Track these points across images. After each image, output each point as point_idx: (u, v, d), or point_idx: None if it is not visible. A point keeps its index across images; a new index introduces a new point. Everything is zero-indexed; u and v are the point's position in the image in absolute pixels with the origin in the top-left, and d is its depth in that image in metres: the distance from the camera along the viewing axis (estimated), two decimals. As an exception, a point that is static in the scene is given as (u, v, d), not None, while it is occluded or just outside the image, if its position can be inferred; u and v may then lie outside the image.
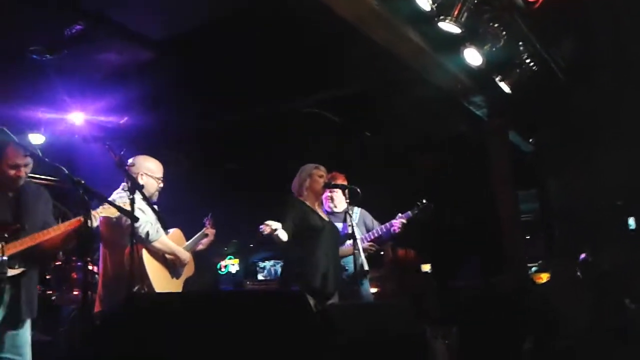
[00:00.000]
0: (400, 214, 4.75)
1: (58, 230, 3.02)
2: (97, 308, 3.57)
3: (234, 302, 1.95)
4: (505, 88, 5.31)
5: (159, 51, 4.95)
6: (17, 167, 3.04)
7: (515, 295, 4.19)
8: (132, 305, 1.66)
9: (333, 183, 4.37)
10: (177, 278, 3.83)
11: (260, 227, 3.76)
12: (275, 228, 3.76)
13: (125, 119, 6.03)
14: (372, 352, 2.25)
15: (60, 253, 5.18)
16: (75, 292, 5.21)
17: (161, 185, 3.88)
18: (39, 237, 2.96)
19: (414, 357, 2.63)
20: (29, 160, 3.07)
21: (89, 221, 2.86)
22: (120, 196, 3.55)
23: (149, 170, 3.80)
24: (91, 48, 4.76)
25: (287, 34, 4.83)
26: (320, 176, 4.30)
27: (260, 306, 1.92)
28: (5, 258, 2.82)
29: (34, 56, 4.88)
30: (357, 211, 4.79)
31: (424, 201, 4.80)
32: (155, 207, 3.66)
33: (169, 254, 3.73)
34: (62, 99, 5.67)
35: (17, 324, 3.03)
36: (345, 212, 4.53)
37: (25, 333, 3.10)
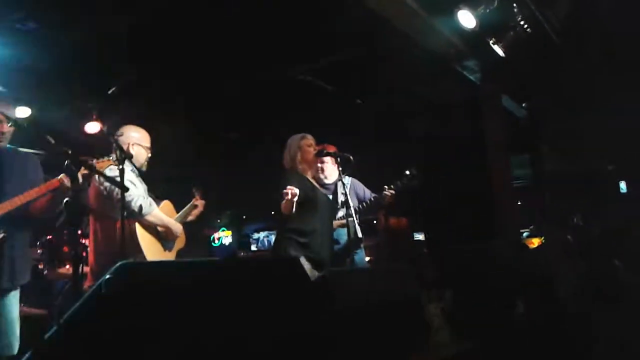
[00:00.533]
0: (386, 187, 4.63)
1: (39, 191, 2.93)
2: (88, 282, 3.52)
3: (229, 270, 1.92)
4: (499, 51, 5.25)
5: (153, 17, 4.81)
6: None
7: (508, 260, 4.20)
8: (123, 274, 1.62)
9: (326, 151, 4.32)
10: (170, 250, 3.83)
11: (285, 191, 3.74)
12: (296, 193, 3.75)
13: (114, 88, 5.90)
14: (368, 316, 2.24)
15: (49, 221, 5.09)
16: (67, 266, 5.18)
17: (149, 154, 3.83)
18: (19, 200, 2.87)
19: (409, 321, 2.63)
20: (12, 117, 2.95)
21: (74, 182, 2.78)
22: (109, 168, 3.49)
23: (138, 140, 3.76)
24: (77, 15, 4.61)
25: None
26: (309, 145, 4.25)
27: (256, 273, 1.89)
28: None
29: (18, 25, 4.74)
30: (348, 180, 4.73)
31: (412, 170, 4.69)
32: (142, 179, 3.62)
33: (161, 226, 3.70)
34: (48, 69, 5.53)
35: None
36: (337, 182, 4.50)
37: (10, 306, 2.98)
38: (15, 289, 3.01)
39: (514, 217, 6.30)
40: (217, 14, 4.89)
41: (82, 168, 2.95)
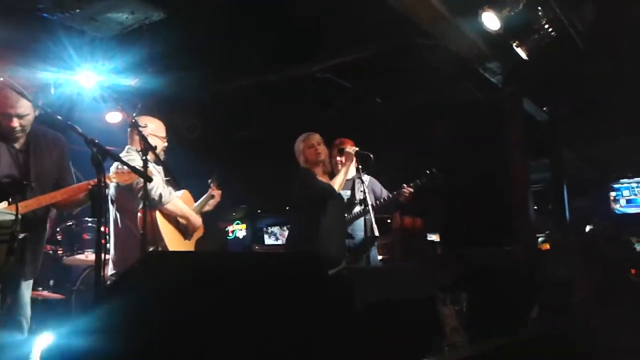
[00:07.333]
0: (405, 185, 4.66)
1: (71, 191, 2.94)
2: (110, 271, 3.60)
3: (249, 264, 1.94)
4: (522, 54, 5.21)
5: (172, 11, 4.84)
6: (8, 116, 2.84)
7: (525, 264, 4.19)
8: (150, 263, 1.65)
9: (345, 149, 4.33)
10: (190, 240, 3.87)
11: None
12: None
13: (136, 80, 5.96)
14: (383, 315, 2.26)
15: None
16: (85, 253, 5.25)
17: (166, 144, 3.88)
18: (56, 196, 2.88)
19: (422, 322, 2.64)
20: (26, 110, 2.85)
21: (103, 183, 2.75)
22: (129, 158, 3.52)
23: (154, 130, 3.81)
24: (102, 6, 4.66)
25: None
26: (311, 146, 4.25)
27: (275, 268, 1.90)
28: (19, 217, 2.67)
29: (44, 14, 4.79)
30: (366, 178, 4.75)
31: (433, 170, 4.71)
32: (166, 167, 3.67)
33: (181, 216, 3.75)
34: (72, 59, 5.60)
35: (19, 284, 2.98)
36: (355, 178, 4.51)
37: (27, 293, 3.06)
38: (33, 278, 3.10)
39: (531, 222, 6.25)
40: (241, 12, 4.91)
41: (113, 175, 3.09)
